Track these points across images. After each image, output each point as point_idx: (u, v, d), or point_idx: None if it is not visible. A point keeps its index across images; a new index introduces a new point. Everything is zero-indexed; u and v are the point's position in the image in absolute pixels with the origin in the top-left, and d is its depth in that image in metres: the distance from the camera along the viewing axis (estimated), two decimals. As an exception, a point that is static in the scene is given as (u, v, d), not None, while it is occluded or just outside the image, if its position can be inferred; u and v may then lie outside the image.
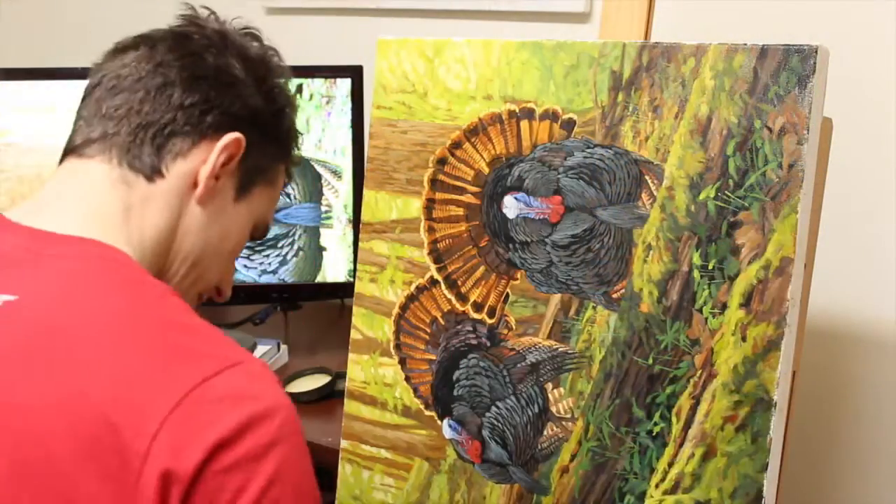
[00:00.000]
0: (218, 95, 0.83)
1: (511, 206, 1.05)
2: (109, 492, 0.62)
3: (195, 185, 0.82)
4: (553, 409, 1.03)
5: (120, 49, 0.86)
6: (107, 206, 0.79)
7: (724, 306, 0.92)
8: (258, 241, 1.50)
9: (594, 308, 1.00)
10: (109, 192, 0.79)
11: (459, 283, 1.09)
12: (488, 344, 1.07)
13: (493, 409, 1.06)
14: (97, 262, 0.74)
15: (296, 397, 1.42)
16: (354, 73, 1.48)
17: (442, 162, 1.10)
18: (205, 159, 0.81)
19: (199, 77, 0.83)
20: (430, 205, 1.11)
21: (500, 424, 1.06)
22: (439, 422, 1.10)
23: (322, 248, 1.51)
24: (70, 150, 0.83)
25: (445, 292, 1.10)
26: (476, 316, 1.08)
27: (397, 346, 1.13)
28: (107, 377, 0.65)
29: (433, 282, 1.11)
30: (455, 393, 1.09)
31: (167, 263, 0.83)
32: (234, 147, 0.82)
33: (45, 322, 0.68)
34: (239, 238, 0.89)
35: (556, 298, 1.03)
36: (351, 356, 1.16)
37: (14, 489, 0.62)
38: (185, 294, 0.85)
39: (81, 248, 0.74)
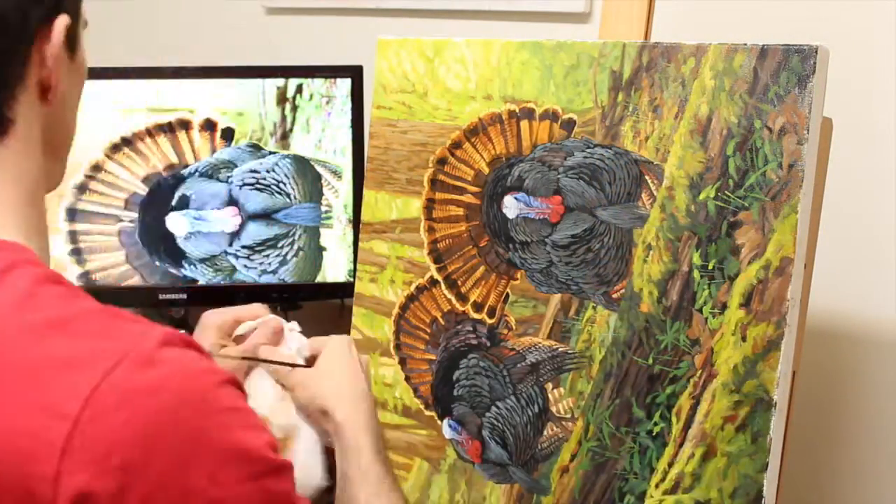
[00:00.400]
0: None
1: (511, 206, 1.05)
2: None
3: (44, 95, 0.67)
4: (553, 409, 1.03)
5: None
6: None
7: (724, 306, 0.92)
8: (258, 243, 1.50)
9: (594, 308, 1.00)
10: None
11: (459, 283, 1.09)
12: (488, 344, 1.07)
13: (493, 409, 1.06)
14: None
15: (296, 397, 1.42)
16: (354, 73, 1.48)
17: (442, 162, 1.10)
18: (41, 62, 0.66)
19: None
20: (430, 205, 1.11)
21: (500, 424, 1.06)
22: (439, 422, 1.10)
23: (322, 248, 1.51)
24: None
25: (445, 292, 1.10)
26: (476, 316, 1.08)
27: (397, 346, 1.13)
28: None
29: (433, 282, 1.11)
30: (455, 393, 1.09)
31: (52, 170, 0.72)
32: (66, 31, 0.67)
33: None
34: (85, 69, 0.73)
35: (556, 298, 1.03)
36: (351, 356, 1.16)
37: None
38: (66, 160, 0.75)
39: None
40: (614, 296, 0.99)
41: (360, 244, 1.16)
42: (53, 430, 0.55)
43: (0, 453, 0.55)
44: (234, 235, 1.50)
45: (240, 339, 0.94)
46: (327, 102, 1.49)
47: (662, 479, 0.95)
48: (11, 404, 0.56)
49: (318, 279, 1.52)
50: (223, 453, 0.59)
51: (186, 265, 1.51)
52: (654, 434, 0.95)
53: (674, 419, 0.94)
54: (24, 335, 0.59)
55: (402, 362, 1.13)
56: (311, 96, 1.49)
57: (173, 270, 1.51)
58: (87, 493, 0.55)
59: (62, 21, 0.66)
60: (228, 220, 1.50)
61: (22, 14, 0.65)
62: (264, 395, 0.90)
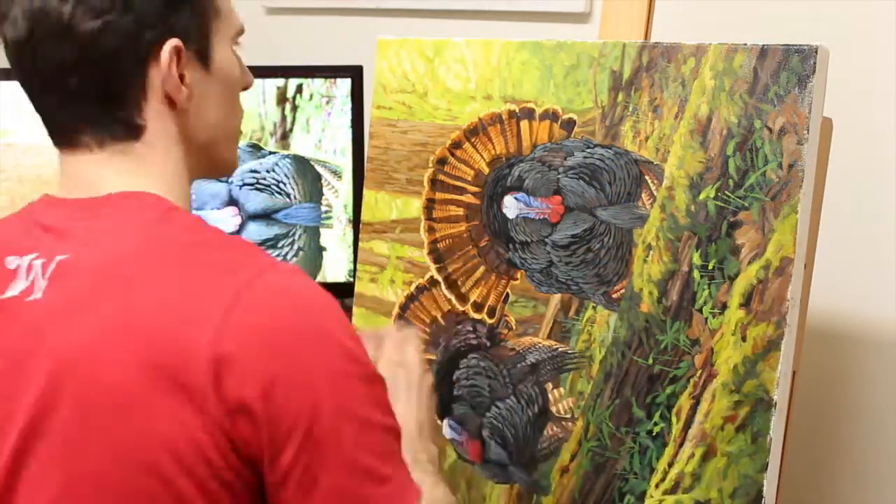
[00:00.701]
0: (120, 18, 0.77)
1: (511, 206, 1.05)
2: (183, 402, 0.68)
3: (172, 103, 0.81)
4: (553, 409, 1.03)
5: None
6: (121, 179, 0.81)
7: (724, 306, 0.92)
8: (258, 243, 1.50)
9: (594, 308, 1.00)
10: (112, 174, 0.80)
11: (459, 283, 1.09)
12: (488, 344, 1.07)
13: (493, 409, 1.06)
14: (130, 211, 0.78)
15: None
16: (354, 73, 1.48)
17: (442, 162, 1.10)
18: (164, 77, 0.79)
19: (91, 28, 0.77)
20: (430, 205, 1.11)
21: (500, 424, 1.06)
22: (439, 422, 1.10)
23: (322, 248, 1.51)
24: (57, 145, 0.84)
25: (445, 292, 1.10)
26: (476, 316, 1.08)
27: (397, 346, 1.13)
28: (155, 306, 0.71)
29: (433, 282, 1.11)
30: (455, 393, 1.09)
31: (204, 161, 0.86)
32: (175, 51, 0.79)
33: (93, 271, 0.74)
34: (233, 75, 0.89)
35: (556, 298, 1.03)
36: (351, 356, 1.16)
37: (79, 429, 0.70)
38: (232, 144, 0.91)
39: (115, 201, 0.79)
40: (614, 296, 0.99)
41: (360, 244, 1.16)
42: (213, 311, 0.69)
43: (164, 331, 0.70)
44: (235, 235, 1.50)
45: None
46: (327, 102, 1.49)
47: (662, 479, 0.95)
48: (178, 302, 0.71)
49: (318, 279, 1.52)
50: (344, 350, 0.73)
51: (186, 265, 1.51)
52: (654, 434, 0.95)
53: (674, 419, 0.94)
54: (192, 247, 0.75)
55: (402, 362, 1.13)
56: (311, 96, 1.49)
57: (173, 270, 1.51)
58: (230, 358, 0.68)
59: (169, 45, 0.78)
60: (228, 220, 1.50)
61: (134, 41, 0.78)
62: None
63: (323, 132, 1.50)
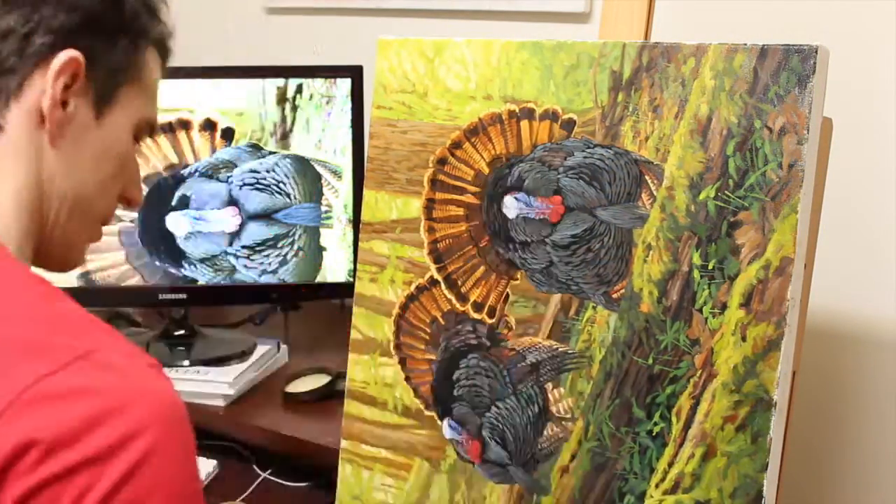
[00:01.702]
0: (34, 11, 0.69)
1: (511, 206, 1.05)
2: None
3: (43, 122, 0.70)
4: (553, 409, 1.03)
5: None
6: None
7: (724, 306, 0.92)
8: (258, 243, 1.50)
9: (594, 308, 1.00)
10: None
11: (459, 283, 1.09)
12: (488, 344, 1.07)
13: (493, 409, 1.06)
14: None
15: (296, 397, 1.42)
16: (354, 73, 1.48)
17: (442, 162, 1.10)
18: (43, 90, 0.70)
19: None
20: (430, 205, 1.11)
21: (500, 424, 1.06)
22: (439, 422, 1.10)
23: (322, 248, 1.51)
24: None
25: (445, 292, 1.10)
26: (476, 316, 1.08)
27: (397, 346, 1.13)
28: None
29: (433, 282, 1.11)
30: (455, 393, 1.09)
31: (43, 219, 0.74)
32: (72, 66, 0.70)
33: None
34: (119, 154, 0.77)
35: (556, 298, 1.03)
36: (351, 356, 1.16)
37: None
38: (82, 230, 0.78)
39: None
40: (614, 296, 0.99)
41: (360, 244, 1.16)
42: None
43: None
44: (234, 235, 1.50)
45: None
46: (327, 102, 1.49)
47: (662, 479, 0.95)
48: None
49: (318, 279, 1.52)
50: (162, 470, 0.60)
51: (186, 265, 1.51)
52: (654, 434, 0.95)
53: (674, 419, 0.94)
54: (6, 320, 0.62)
55: (402, 362, 1.13)
56: (311, 96, 1.49)
57: (173, 270, 1.51)
58: (9, 456, 0.56)
59: (65, 54, 0.69)
60: (228, 220, 1.50)
61: (26, 36, 0.68)
62: None
63: (323, 132, 1.50)
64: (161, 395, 0.62)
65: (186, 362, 1.48)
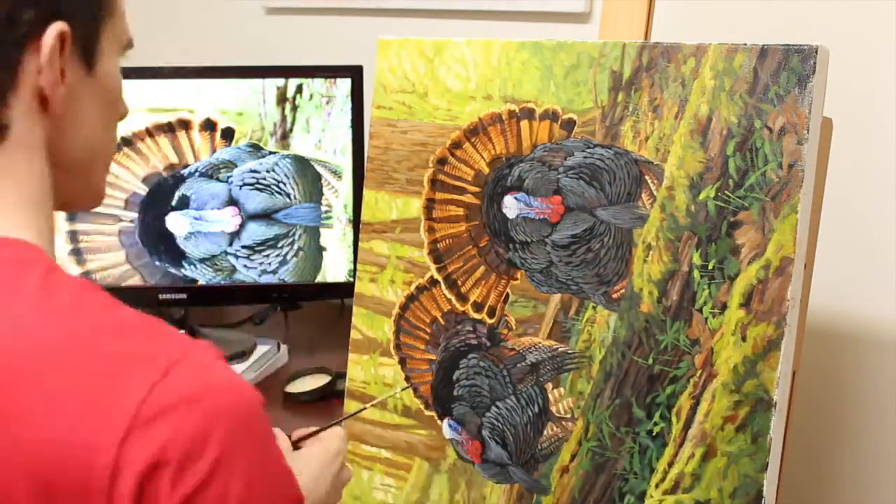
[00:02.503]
0: None
1: (511, 206, 1.05)
2: None
3: (45, 103, 0.67)
4: (553, 409, 1.03)
5: None
6: None
7: (724, 306, 0.92)
8: (258, 243, 1.50)
9: (594, 308, 1.00)
10: None
11: (459, 283, 1.09)
12: (488, 344, 1.07)
13: (493, 409, 1.06)
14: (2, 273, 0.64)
15: (296, 397, 1.42)
16: (354, 73, 1.48)
17: (442, 162, 1.10)
18: (42, 69, 0.66)
19: None
20: (430, 205, 1.11)
21: (500, 424, 1.06)
22: (439, 422, 1.10)
23: (322, 248, 1.51)
24: None
25: (445, 292, 1.10)
26: (476, 316, 1.08)
27: (397, 346, 1.13)
28: (42, 415, 0.57)
29: (433, 282, 1.11)
30: (455, 393, 1.09)
31: (60, 186, 0.72)
32: (60, 38, 0.66)
33: None
34: (114, 90, 0.74)
35: (556, 298, 1.03)
36: (351, 356, 1.16)
37: None
38: (102, 167, 0.76)
39: None
40: (614, 296, 0.99)
41: (360, 244, 1.16)
42: (115, 422, 0.56)
43: (63, 448, 0.56)
44: (234, 235, 1.50)
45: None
46: (327, 102, 1.49)
47: (662, 479, 0.95)
48: (71, 404, 0.57)
49: (318, 279, 1.52)
50: (260, 466, 0.61)
51: (186, 265, 1.51)
52: (654, 434, 0.95)
53: (674, 419, 0.94)
54: (76, 339, 0.60)
55: (402, 362, 1.13)
56: (311, 96, 1.49)
57: (173, 270, 1.51)
58: (142, 483, 0.56)
59: (54, 28, 0.66)
60: (228, 220, 1.50)
61: (9, 20, 0.64)
62: None
63: (323, 132, 1.50)
64: (246, 388, 0.63)
65: (186, 362, 1.48)
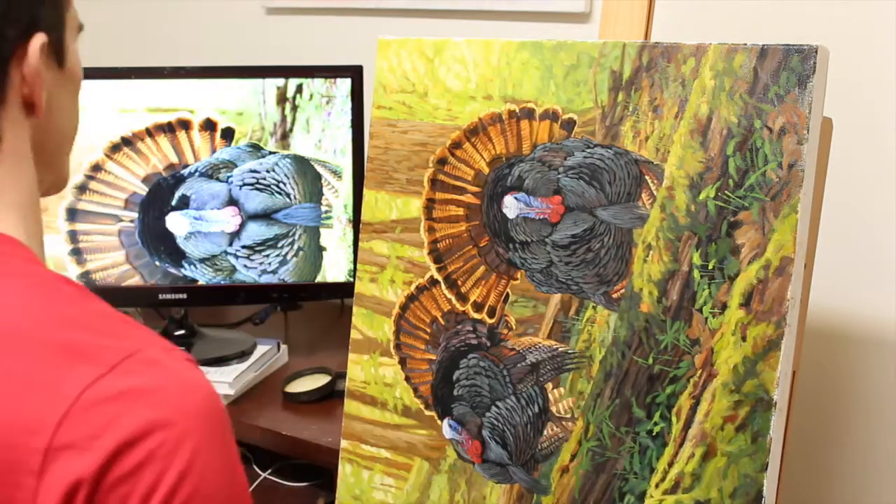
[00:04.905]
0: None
1: (511, 206, 1.06)
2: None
3: (32, 109, 0.69)
4: (553, 409, 1.03)
5: None
6: None
7: (724, 306, 0.92)
8: (258, 243, 1.50)
9: (594, 308, 1.00)
10: None
11: (459, 282, 1.09)
12: (488, 344, 1.07)
13: (493, 409, 1.06)
14: None
15: (296, 397, 1.42)
16: (354, 73, 1.48)
17: (442, 162, 1.10)
18: (30, 79, 0.67)
19: None
20: (430, 205, 1.11)
21: (500, 424, 1.06)
22: (439, 422, 1.10)
23: (322, 248, 1.51)
24: None
25: (445, 292, 1.10)
26: (476, 316, 1.08)
27: (397, 346, 1.13)
28: None
29: (433, 282, 1.11)
30: (455, 393, 1.09)
31: (47, 176, 0.74)
32: (42, 48, 0.68)
33: None
34: (80, 76, 0.76)
35: (556, 298, 1.03)
36: (351, 356, 1.16)
37: None
38: (69, 151, 0.78)
39: None
40: (614, 296, 0.99)
41: (360, 244, 1.16)
42: (54, 406, 0.57)
43: (1, 428, 0.57)
44: (234, 235, 1.50)
45: None
46: (327, 102, 1.49)
47: (662, 479, 0.95)
48: (17, 387, 0.59)
49: (318, 279, 1.52)
50: (213, 463, 0.61)
51: (186, 265, 1.51)
52: (654, 434, 0.95)
53: (674, 419, 0.94)
54: (37, 326, 0.61)
55: (402, 362, 1.13)
56: (311, 96, 1.49)
57: (173, 270, 1.51)
58: (75, 482, 0.56)
59: (37, 41, 0.67)
60: (228, 220, 1.50)
61: None
62: None
63: (323, 132, 1.50)
64: (205, 389, 0.63)
65: (186, 362, 1.48)
